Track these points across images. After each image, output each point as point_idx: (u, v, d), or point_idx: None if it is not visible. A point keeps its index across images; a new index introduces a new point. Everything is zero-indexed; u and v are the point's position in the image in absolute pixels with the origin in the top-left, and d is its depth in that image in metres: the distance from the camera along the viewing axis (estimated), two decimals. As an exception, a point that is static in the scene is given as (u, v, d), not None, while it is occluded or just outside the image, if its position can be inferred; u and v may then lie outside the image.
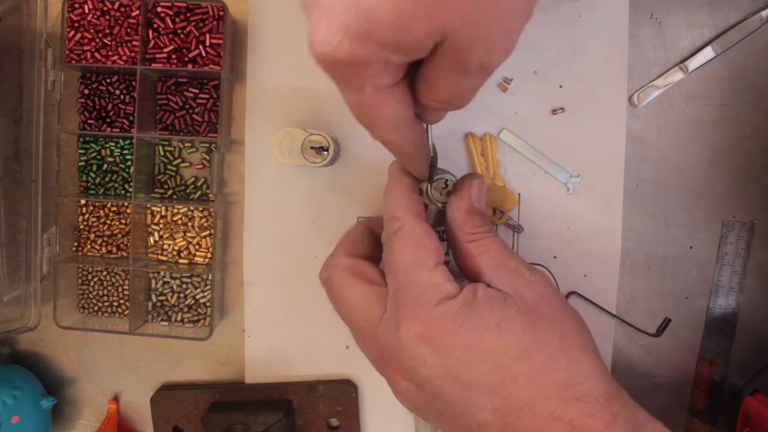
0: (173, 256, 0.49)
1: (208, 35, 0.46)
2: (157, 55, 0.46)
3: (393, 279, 0.33)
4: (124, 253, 0.50)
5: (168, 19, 0.46)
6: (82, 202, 0.50)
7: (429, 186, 0.37)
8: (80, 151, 0.49)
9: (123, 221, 0.49)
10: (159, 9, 0.46)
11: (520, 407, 0.30)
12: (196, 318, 0.49)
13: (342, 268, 0.36)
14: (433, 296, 0.32)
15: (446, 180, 0.37)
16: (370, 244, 0.39)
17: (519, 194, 0.46)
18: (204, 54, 0.46)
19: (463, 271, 0.36)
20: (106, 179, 0.49)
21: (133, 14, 0.46)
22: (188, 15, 0.46)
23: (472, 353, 0.30)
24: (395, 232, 0.34)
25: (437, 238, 0.34)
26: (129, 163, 0.49)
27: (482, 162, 0.46)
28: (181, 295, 0.49)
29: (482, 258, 0.34)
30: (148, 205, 0.49)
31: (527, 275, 0.34)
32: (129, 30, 0.46)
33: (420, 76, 0.29)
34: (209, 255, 0.49)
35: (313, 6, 0.25)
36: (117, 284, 0.50)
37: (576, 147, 0.46)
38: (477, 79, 0.28)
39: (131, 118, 0.48)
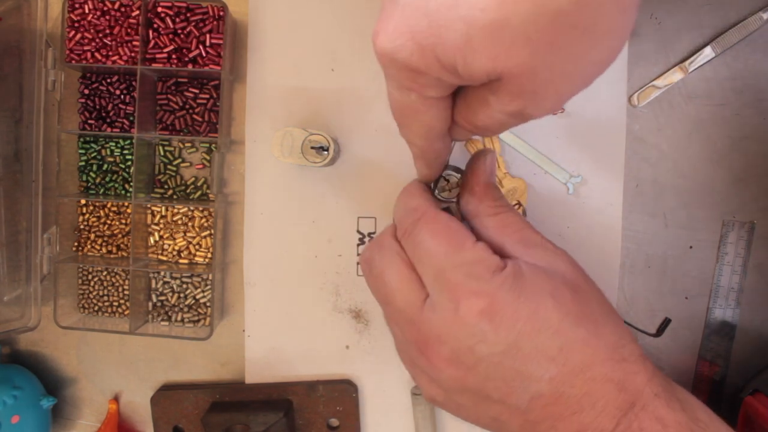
0: (173, 256, 0.49)
1: (208, 35, 0.46)
2: (157, 55, 0.46)
3: (429, 265, 0.32)
4: (124, 253, 0.50)
5: (168, 19, 0.46)
6: (82, 202, 0.50)
7: (434, 184, 0.37)
8: (80, 151, 0.49)
9: (123, 221, 0.49)
10: (159, 9, 0.46)
11: (575, 373, 0.30)
12: (196, 318, 0.49)
13: (388, 249, 0.35)
14: (486, 269, 0.31)
15: (446, 176, 0.37)
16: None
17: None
18: (204, 54, 0.46)
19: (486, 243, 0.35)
20: (106, 179, 0.49)
21: (133, 14, 0.46)
22: (188, 15, 0.46)
23: (533, 323, 0.30)
24: (417, 221, 0.33)
25: (461, 222, 0.34)
26: (129, 163, 0.49)
27: None
28: (182, 295, 0.49)
29: (504, 232, 0.34)
30: (148, 205, 0.49)
31: (552, 248, 0.34)
32: (129, 30, 0.46)
33: (462, 97, 0.29)
34: (209, 255, 0.49)
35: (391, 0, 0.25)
36: (117, 284, 0.50)
37: (576, 147, 0.46)
38: (515, 122, 0.29)
39: (131, 118, 0.48)
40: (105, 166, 0.49)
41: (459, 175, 0.37)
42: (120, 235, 0.49)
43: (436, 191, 0.37)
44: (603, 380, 0.30)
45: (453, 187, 0.37)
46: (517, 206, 0.46)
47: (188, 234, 0.49)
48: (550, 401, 0.30)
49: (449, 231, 0.33)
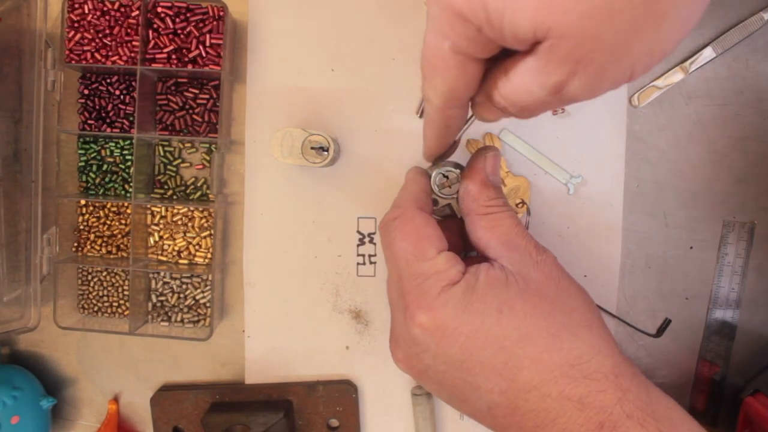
0: (173, 256, 0.49)
1: (208, 35, 0.46)
2: (157, 56, 0.46)
3: (394, 267, 0.34)
4: (124, 254, 0.50)
5: (168, 20, 0.46)
6: (82, 202, 0.49)
7: (434, 180, 0.37)
8: (80, 152, 0.49)
9: (123, 221, 0.49)
10: (159, 9, 0.46)
11: (527, 389, 0.30)
12: (196, 318, 0.49)
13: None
14: (436, 284, 0.32)
15: (445, 173, 0.37)
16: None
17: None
18: (204, 54, 0.46)
19: (473, 244, 0.35)
20: (106, 179, 0.49)
21: (133, 14, 0.46)
22: (188, 15, 0.46)
23: (475, 339, 0.31)
24: (394, 219, 0.34)
25: (439, 228, 0.34)
26: (129, 163, 0.49)
27: None
28: (181, 295, 0.49)
29: (493, 233, 0.34)
30: (148, 206, 0.49)
31: (534, 255, 0.33)
32: (129, 30, 0.46)
33: (501, 69, 0.27)
34: (209, 255, 0.49)
35: None
36: (117, 284, 0.50)
37: (576, 147, 0.46)
38: (554, 101, 0.26)
39: (131, 119, 0.48)
40: (105, 166, 0.49)
41: (458, 172, 0.37)
42: (120, 236, 0.49)
43: (436, 188, 0.37)
44: (559, 398, 0.29)
45: (453, 183, 0.37)
46: (520, 205, 0.45)
47: (188, 234, 0.49)
48: (507, 412, 0.31)
49: (417, 237, 0.33)
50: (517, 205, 0.46)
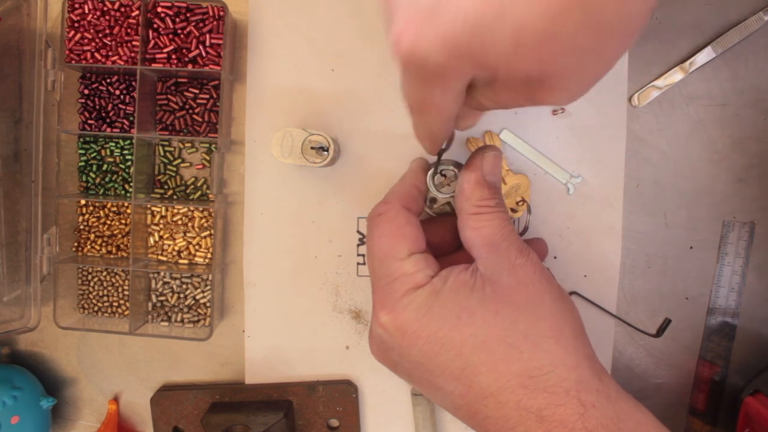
0: (173, 256, 0.49)
1: (208, 35, 0.46)
2: (157, 55, 0.46)
3: (370, 262, 0.35)
4: (124, 254, 0.50)
5: (168, 19, 0.46)
6: (82, 202, 0.49)
7: (431, 178, 0.38)
8: (80, 152, 0.49)
9: (123, 221, 0.49)
10: (159, 9, 0.46)
11: (484, 395, 0.30)
12: (196, 318, 0.49)
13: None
14: (401, 286, 0.33)
15: (444, 172, 0.37)
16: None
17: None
18: (204, 54, 0.46)
19: (463, 243, 0.35)
20: (106, 179, 0.49)
21: (133, 14, 0.46)
22: (188, 15, 0.46)
23: (433, 344, 0.31)
24: (378, 215, 0.35)
25: (419, 228, 0.35)
26: (129, 163, 0.49)
27: None
28: (181, 295, 0.49)
29: (477, 233, 0.34)
30: (148, 206, 0.49)
31: (513, 258, 0.33)
32: (129, 30, 0.46)
33: (483, 84, 0.29)
34: (209, 255, 0.49)
35: (402, 2, 0.25)
36: (117, 284, 0.50)
37: (576, 147, 0.46)
38: (538, 105, 0.29)
39: (131, 119, 0.48)
40: (105, 166, 0.49)
41: (456, 170, 0.38)
42: (120, 236, 0.49)
43: (434, 188, 0.38)
44: (517, 407, 0.29)
45: (451, 181, 0.38)
46: (521, 203, 0.45)
47: (188, 234, 0.49)
48: (469, 414, 0.31)
49: (394, 236, 0.34)
50: (517, 203, 0.45)
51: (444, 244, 0.39)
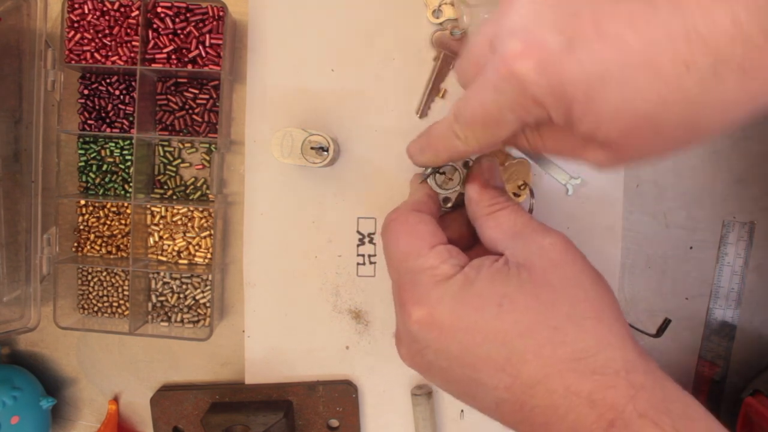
0: (173, 256, 0.49)
1: (208, 35, 0.46)
2: (157, 56, 0.46)
3: (391, 266, 0.35)
4: (124, 254, 0.50)
5: (168, 20, 0.46)
6: (82, 202, 0.49)
7: (432, 181, 0.38)
8: (80, 152, 0.49)
9: (123, 222, 0.49)
10: (159, 9, 0.46)
11: (531, 384, 0.29)
12: (195, 318, 0.49)
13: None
14: (429, 279, 0.32)
15: (442, 171, 0.38)
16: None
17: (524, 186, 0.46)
18: (204, 54, 0.46)
19: (486, 247, 0.35)
20: (106, 179, 0.49)
21: (133, 14, 0.46)
22: (188, 15, 0.46)
23: (474, 334, 0.30)
24: (390, 222, 0.36)
25: (435, 224, 0.35)
26: (129, 163, 0.49)
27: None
28: (181, 295, 0.49)
29: (499, 230, 0.34)
30: (148, 206, 0.49)
31: (540, 240, 0.32)
32: (129, 30, 0.46)
33: (537, 132, 0.30)
34: (209, 255, 0.49)
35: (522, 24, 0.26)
36: (117, 285, 0.50)
37: (576, 147, 0.46)
38: (576, 161, 0.30)
39: (131, 119, 0.48)
40: (105, 166, 0.49)
41: (452, 165, 0.38)
42: (120, 236, 0.49)
43: (438, 188, 0.38)
44: (566, 393, 0.28)
45: (452, 175, 0.38)
46: (523, 186, 0.45)
47: (188, 234, 0.49)
48: (515, 408, 0.30)
49: (410, 235, 0.34)
50: (519, 186, 0.46)
51: (463, 238, 0.39)
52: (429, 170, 0.38)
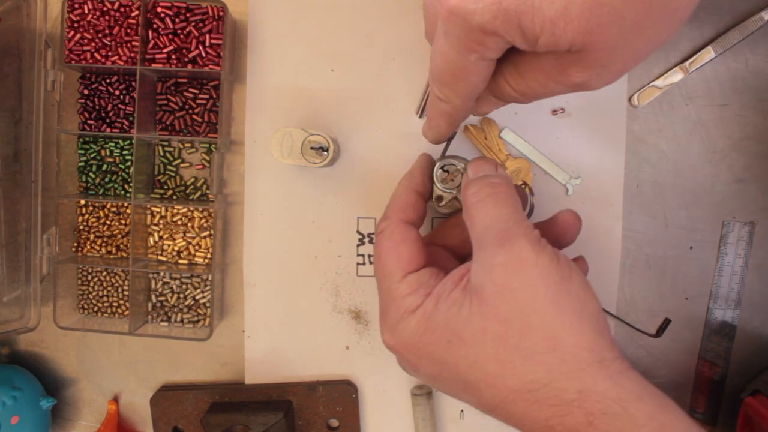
0: (173, 256, 0.49)
1: (208, 35, 0.46)
2: (157, 56, 0.46)
3: (377, 280, 0.36)
4: (124, 254, 0.50)
5: (168, 20, 0.46)
6: (82, 202, 0.49)
7: (438, 169, 0.38)
8: (80, 152, 0.49)
9: (123, 222, 0.49)
10: (159, 9, 0.46)
11: (492, 407, 0.31)
12: (195, 318, 0.49)
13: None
14: (397, 310, 0.33)
15: (446, 167, 0.38)
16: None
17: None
18: (204, 54, 0.46)
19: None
20: (106, 179, 0.49)
21: (133, 14, 0.46)
22: (188, 15, 0.46)
23: (432, 366, 0.32)
24: (380, 232, 0.36)
25: (417, 242, 0.35)
26: (129, 163, 0.49)
27: (488, 147, 0.46)
28: (181, 295, 0.49)
29: (474, 230, 0.33)
30: (148, 206, 0.49)
31: (490, 258, 0.30)
32: (129, 30, 0.46)
33: (511, 63, 0.29)
34: (209, 255, 0.49)
35: None
36: (117, 285, 0.50)
37: (576, 147, 0.46)
38: (566, 90, 0.29)
39: (131, 119, 0.48)
40: (104, 166, 0.49)
41: (456, 164, 0.38)
42: (119, 236, 0.49)
43: (440, 184, 0.38)
44: (524, 417, 0.29)
45: (455, 176, 0.38)
46: (523, 186, 0.45)
47: (188, 234, 0.49)
48: (491, 415, 0.32)
49: (391, 256, 0.35)
50: (520, 185, 0.46)
51: (464, 243, 0.39)
52: (441, 158, 0.38)
